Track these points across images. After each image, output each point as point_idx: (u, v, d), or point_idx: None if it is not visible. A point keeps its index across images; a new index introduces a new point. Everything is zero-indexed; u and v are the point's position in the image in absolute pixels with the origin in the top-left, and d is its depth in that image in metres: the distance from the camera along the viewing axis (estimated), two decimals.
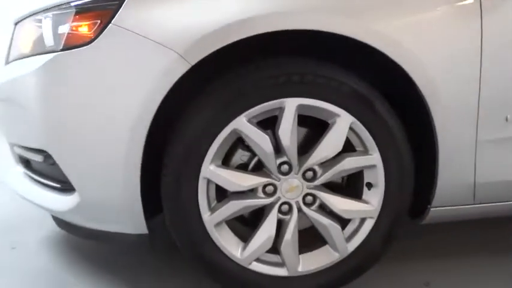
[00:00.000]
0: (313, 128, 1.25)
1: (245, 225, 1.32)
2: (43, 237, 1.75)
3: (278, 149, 1.19)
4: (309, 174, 1.21)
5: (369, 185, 1.24)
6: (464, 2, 1.16)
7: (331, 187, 1.28)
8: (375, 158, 1.19)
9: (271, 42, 1.16)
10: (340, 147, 1.18)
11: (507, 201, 1.32)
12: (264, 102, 1.13)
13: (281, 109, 1.15)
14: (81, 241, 1.63)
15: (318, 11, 1.10)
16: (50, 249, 1.67)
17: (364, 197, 1.25)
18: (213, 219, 1.20)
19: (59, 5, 1.23)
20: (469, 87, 1.17)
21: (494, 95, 1.19)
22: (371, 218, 1.24)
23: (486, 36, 1.15)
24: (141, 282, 1.44)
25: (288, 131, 1.15)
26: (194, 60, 1.08)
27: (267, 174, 1.21)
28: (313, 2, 1.11)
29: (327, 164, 1.21)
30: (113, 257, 1.58)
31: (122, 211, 1.22)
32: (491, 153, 1.23)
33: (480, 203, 1.31)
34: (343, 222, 1.28)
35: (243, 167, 1.26)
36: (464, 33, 1.16)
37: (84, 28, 1.17)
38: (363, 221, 1.26)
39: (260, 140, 1.15)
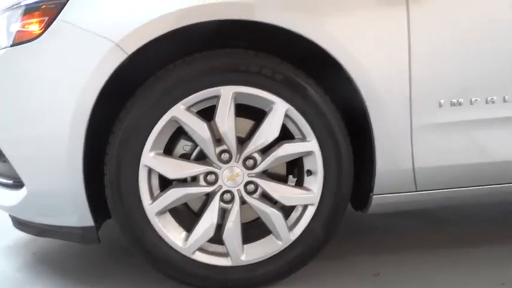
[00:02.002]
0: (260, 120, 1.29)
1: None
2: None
3: (219, 138, 1.23)
4: (250, 162, 1.24)
5: (309, 172, 1.27)
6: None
7: (277, 177, 1.31)
8: (312, 144, 1.23)
9: (216, 33, 1.23)
10: (276, 133, 1.21)
11: (449, 188, 1.36)
12: (200, 91, 1.17)
13: (218, 97, 1.20)
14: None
15: (251, 1, 1.15)
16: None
17: (305, 184, 1.27)
18: (154, 208, 1.21)
19: (12, 5, 1.31)
20: (400, 75, 1.21)
21: (426, 81, 1.23)
22: (312, 204, 1.26)
23: (413, 24, 1.19)
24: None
25: (225, 118, 1.19)
26: (131, 49, 1.13)
27: (209, 163, 1.24)
28: None
29: (266, 152, 1.25)
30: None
31: (67, 204, 1.24)
32: (428, 138, 1.26)
33: (422, 190, 1.33)
34: (288, 211, 1.31)
35: (186, 157, 1.29)
36: (392, 21, 1.20)
37: (34, 26, 1.23)
38: (305, 208, 1.27)
39: (198, 127, 1.19)
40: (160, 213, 1.23)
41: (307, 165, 1.26)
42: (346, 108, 1.27)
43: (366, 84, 1.20)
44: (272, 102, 1.20)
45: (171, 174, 1.21)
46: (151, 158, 1.19)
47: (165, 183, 1.26)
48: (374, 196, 1.31)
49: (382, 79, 1.21)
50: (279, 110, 1.20)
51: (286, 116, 1.21)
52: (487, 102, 1.26)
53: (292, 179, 1.35)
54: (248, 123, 1.29)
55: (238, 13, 1.14)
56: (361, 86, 1.20)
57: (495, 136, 1.29)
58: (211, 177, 1.23)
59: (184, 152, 1.28)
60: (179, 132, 1.26)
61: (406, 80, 1.21)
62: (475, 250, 1.51)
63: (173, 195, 1.22)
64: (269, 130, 1.21)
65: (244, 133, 1.29)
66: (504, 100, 1.27)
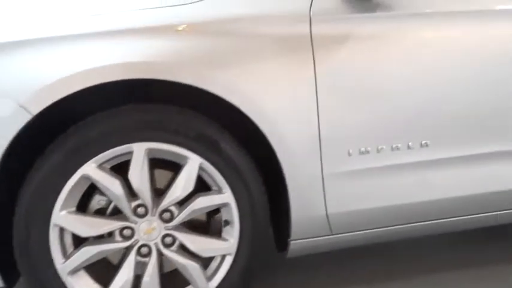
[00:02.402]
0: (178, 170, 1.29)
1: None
2: None
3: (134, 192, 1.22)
4: (167, 215, 1.25)
5: (226, 222, 1.29)
6: (298, 47, 1.24)
7: (197, 226, 1.33)
8: (227, 196, 1.25)
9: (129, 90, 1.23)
10: (191, 188, 1.23)
11: (363, 230, 1.43)
12: (111, 148, 1.17)
13: (131, 153, 1.20)
14: None
15: (155, 60, 1.15)
16: None
17: (223, 234, 1.30)
18: (67, 267, 1.19)
19: None
20: (309, 126, 1.25)
21: (335, 132, 1.28)
22: (229, 254, 1.28)
23: (320, 77, 1.24)
24: None
25: (138, 174, 1.19)
26: (36, 110, 1.11)
27: (124, 218, 1.23)
28: (148, 51, 1.16)
29: (183, 204, 1.26)
30: None
31: None
32: (339, 185, 1.32)
33: (338, 234, 1.40)
34: (209, 260, 1.32)
35: (102, 212, 1.28)
36: (300, 74, 1.24)
37: None
38: (223, 258, 1.29)
39: (110, 184, 1.19)
40: (74, 272, 1.20)
41: (225, 215, 1.28)
42: (261, 159, 1.31)
43: (275, 136, 1.23)
44: (186, 157, 1.22)
45: (84, 233, 1.19)
46: (62, 217, 1.17)
47: (80, 240, 1.24)
48: (291, 242, 1.36)
49: (292, 131, 1.25)
50: (193, 164, 1.21)
51: (202, 169, 1.24)
52: (392, 149, 1.34)
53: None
54: (167, 175, 1.30)
55: (141, 73, 1.13)
56: (271, 138, 1.23)
57: (401, 181, 1.36)
58: (127, 232, 1.23)
59: (99, 206, 1.28)
60: (94, 187, 1.25)
61: (316, 130, 1.26)
62: None
63: (87, 253, 1.20)
64: (184, 184, 1.22)
65: (163, 184, 1.29)
66: (408, 147, 1.36)
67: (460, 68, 1.36)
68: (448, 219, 1.47)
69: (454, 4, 1.39)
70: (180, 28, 1.20)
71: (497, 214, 1.52)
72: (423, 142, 1.36)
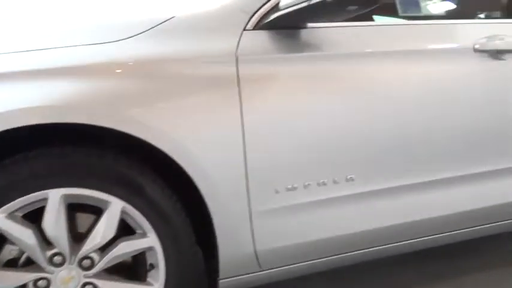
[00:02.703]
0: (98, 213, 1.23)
1: None
2: None
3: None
4: (87, 262, 1.18)
5: (151, 266, 1.24)
6: (224, 87, 1.23)
7: (120, 269, 1.27)
8: (151, 239, 1.20)
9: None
10: (112, 233, 1.17)
11: (293, 264, 1.44)
12: (22, 196, 1.09)
13: (46, 200, 1.13)
14: None
15: (67, 103, 1.09)
16: None
17: (148, 278, 1.25)
18: None
19: None
20: (236, 165, 1.24)
21: (262, 170, 1.28)
22: None
23: (246, 118, 1.23)
24: None
25: (53, 222, 1.11)
26: None
27: (39, 268, 1.15)
28: (60, 93, 1.09)
29: (104, 250, 1.20)
30: None
31: None
32: (267, 222, 1.32)
33: (268, 269, 1.40)
34: None
35: (15, 262, 1.19)
36: (226, 115, 1.23)
37: None
38: None
39: (22, 234, 1.10)
40: None
41: (150, 259, 1.23)
42: (188, 200, 1.28)
43: (201, 177, 1.20)
44: (107, 202, 1.16)
45: None
46: None
47: None
48: (220, 281, 1.34)
49: (218, 171, 1.23)
50: (114, 208, 1.16)
51: (124, 213, 1.18)
52: (319, 185, 1.37)
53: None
54: (89, 218, 1.22)
55: (50, 118, 1.06)
56: (196, 178, 1.19)
57: (329, 214, 1.39)
58: (42, 283, 1.14)
59: (11, 257, 1.18)
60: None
61: (243, 170, 1.25)
62: None
63: None
64: (105, 229, 1.16)
65: (84, 228, 1.22)
66: (334, 182, 1.39)
67: (382, 104, 1.41)
68: (376, 248, 1.52)
69: (380, 45, 1.45)
70: (100, 68, 1.14)
71: (423, 239, 1.60)
72: (348, 177, 1.40)
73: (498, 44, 1.54)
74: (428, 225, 1.57)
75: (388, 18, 1.60)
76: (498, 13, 1.72)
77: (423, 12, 1.52)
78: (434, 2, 1.50)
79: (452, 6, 1.69)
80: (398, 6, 1.51)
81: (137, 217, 1.19)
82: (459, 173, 1.54)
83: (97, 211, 1.21)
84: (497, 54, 1.55)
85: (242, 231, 1.29)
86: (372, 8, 1.15)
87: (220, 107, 1.23)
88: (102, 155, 1.17)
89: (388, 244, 1.54)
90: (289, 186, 1.33)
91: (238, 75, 1.22)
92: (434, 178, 1.51)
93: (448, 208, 1.56)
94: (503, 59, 1.55)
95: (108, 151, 1.18)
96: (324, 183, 1.38)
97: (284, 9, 1.25)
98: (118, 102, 1.12)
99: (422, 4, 1.48)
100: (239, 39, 1.25)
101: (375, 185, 1.44)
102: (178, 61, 1.20)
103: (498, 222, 1.68)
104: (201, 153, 1.20)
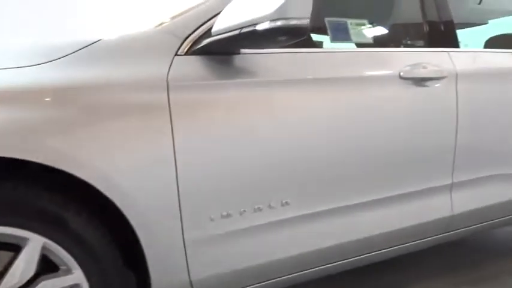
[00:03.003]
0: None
1: None
2: None
3: None
4: None
5: None
6: (154, 114, 1.19)
7: None
8: (76, 275, 1.13)
9: None
10: (31, 272, 1.07)
11: None
12: None
13: None
14: None
15: None
16: None
17: None
18: None
19: None
20: (168, 194, 1.20)
21: (196, 198, 1.25)
22: None
23: (179, 146, 1.20)
24: None
25: None
26: None
27: None
28: None
29: None
30: None
31: None
32: (202, 250, 1.29)
33: None
34: None
35: None
36: (156, 142, 1.19)
37: None
38: None
39: None
40: None
41: None
42: (118, 230, 1.22)
43: (131, 208, 1.15)
44: (25, 238, 1.07)
45: None
46: None
47: None
48: None
49: (149, 201, 1.18)
50: (33, 245, 1.06)
51: (46, 249, 1.09)
52: (254, 210, 1.36)
53: None
54: (7, 255, 1.10)
55: None
56: (126, 210, 1.14)
57: (265, 239, 1.39)
58: None
59: None
60: None
61: (175, 199, 1.21)
62: None
63: None
64: (23, 268, 1.06)
65: (1, 267, 1.12)
66: (270, 207, 1.38)
67: (313, 129, 1.43)
68: (312, 270, 1.53)
69: (312, 71, 1.47)
70: (15, 95, 1.05)
71: (356, 259, 1.64)
72: (284, 201, 1.40)
73: (421, 72, 1.63)
74: (363, 244, 1.62)
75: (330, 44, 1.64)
76: (422, 42, 1.85)
77: (353, 40, 1.58)
78: (363, 30, 1.57)
79: (380, 34, 1.79)
80: (329, 34, 1.58)
81: (60, 253, 1.11)
82: (387, 194, 1.61)
83: (17, 247, 1.11)
84: (420, 81, 1.63)
85: (175, 260, 1.25)
86: (301, 39, 1.18)
87: (150, 135, 1.18)
88: (15, 188, 1.07)
89: (324, 265, 1.58)
90: (224, 213, 1.31)
91: (169, 102, 1.19)
92: (364, 200, 1.56)
93: (379, 227, 1.62)
94: (426, 86, 1.65)
95: (23, 183, 1.09)
96: (260, 209, 1.37)
97: (216, 35, 1.26)
98: (32, 132, 1.04)
99: (351, 31, 1.54)
100: (170, 65, 1.22)
101: (309, 209, 1.46)
102: (104, 87, 1.15)
103: (424, 239, 1.78)
104: (129, 183, 1.15)
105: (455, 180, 1.76)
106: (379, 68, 1.62)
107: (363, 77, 1.57)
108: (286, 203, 1.41)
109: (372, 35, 1.69)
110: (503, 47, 2.16)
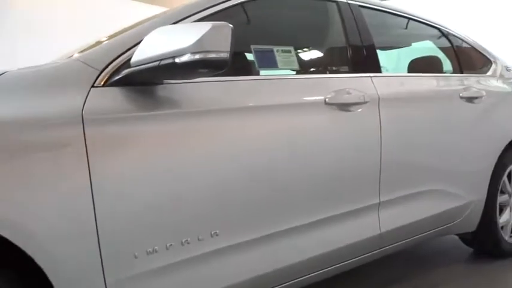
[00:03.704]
0: None
1: None
2: None
3: None
4: None
5: None
6: (69, 151, 1.12)
7: None
8: None
9: None
10: None
11: None
12: None
13: None
14: None
15: None
16: None
17: None
18: None
19: None
20: (85, 236, 1.13)
21: (116, 238, 1.19)
22: None
23: (96, 182, 1.13)
24: None
25: None
26: None
27: None
28: None
29: None
30: None
31: None
32: None
33: None
34: None
35: None
36: (72, 180, 1.11)
37: None
38: None
39: None
40: None
41: None
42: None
43: (44, 254, 1.06)
44: None
45: None
46: None
47: None
48: None
49: (66, 245, 1.10)
50: None
51: None
52: (182, 244, 1.30)
53: None
54: None
55: None
56: (39, 258, 1.05)
57: (195, 272, 1.34)
58: None
59: None
60: None
61: (94, 239, 1.14)
62: None
63: None
64: None
65: None
66: (199, 239, 1.34)
67: (237, 158, 1.41)
68: None
69: (235, 100, 1.45)
70: None
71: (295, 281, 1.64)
72: (213, 232, 1.37)
73: (345, 98, 1.68)
74: (297, 268, 1.62)
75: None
76: (346, 68, 1.91)
77: (280, 67, 1.60)
78: (290, 57, 1.59)
79: (307, 60, 1.83)
80: (256, 61, 1.59)
81: None
82: (319, 217, 1.63)
83: None
84: (345, 106, 1.68)
85: None
86: (222, 71, 1.17)
87: (65, 173, 1.11)
88: None
89: None
90: (150, 250, 1.25)
91: (85, 137, 1.12)
92: (297, 224, 1.57)
93: (310, 251, 1.62)
94: (350, 111, 1.70)
95: None
96: (188, 242, 1.32)
97: (135, 66, 1.22)
98: None
99: (278, 59, 1.56)
100: (86, 97, 1.16)
101: (240, 237, 1.44)
102: (10, 124, 1.06)
103: (359, 257, 1.82)
104: (41, 228, 1.06)
105: (382, 200, 1.83)
106: (306, 94, 1.64)
107: (290, 104, 1.57)
108: (216, 233, 1.38)
109: (299, 62, 1.71)
110: (423, 68, 2.33)
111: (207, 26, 1.14)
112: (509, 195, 2.48)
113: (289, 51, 1.64)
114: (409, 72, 2.32)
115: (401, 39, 2.48)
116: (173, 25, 1.37)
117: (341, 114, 1.66)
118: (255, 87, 1.53)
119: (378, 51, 2.00)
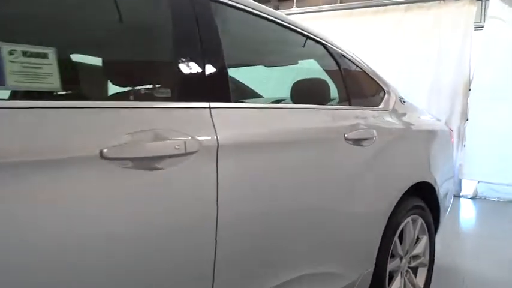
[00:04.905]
0: None
1: None
2: None
3: None
4: None
5: None
6: None
7: None
8: None
9: None
10: None
11: None
12: None
13: None
14: None
15: None
16: None
17: None
18: None
19: None
20: None
21: None
22: None
23: None
24: None
25: None
26: None
27: None
28: None
29: None
30: None
31: None
32: None
33: None
34: None
35: None
36: None
37: None
38: None
39: None
40: None
41: None
42: None
43: None
44: None
45: None
46: None
47: None
48: None
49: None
50: None
51: None
52: None
53: None
54: None
55: None
56: None
57: None
58: None
59: None
60: None
61: None
62: None
63: None
64: None
65: None
66: None
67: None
68: None
69: None
70: None
71: None
72: None
73: (148, 148, 0.95)
74: None
75: None
76: (167, 91, 1.18)
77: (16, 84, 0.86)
78: (41, 68, 0.87)
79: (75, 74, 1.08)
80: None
81: None
82: None
83: None
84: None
85: None
86: None
87: None
88: None
89: None
90: None
91: None
92: None
93: None
94: (158, 168, 0.97)
95: None
96: None
97: None
98: None
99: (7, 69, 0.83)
100: None
101: None
102: None
103: None
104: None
105: None
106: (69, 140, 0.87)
107: None
108: None
109: (62, 77, 0.93)
110: (306, 91, 1.70)
111: None
112: (401, 259, 1.95)
113: (44, 55, 0.89)
114: (280, 100, 1.68)
115: (273, 54, 1.78)
116: None
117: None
118: None
119: (233, 69, 1.35)
